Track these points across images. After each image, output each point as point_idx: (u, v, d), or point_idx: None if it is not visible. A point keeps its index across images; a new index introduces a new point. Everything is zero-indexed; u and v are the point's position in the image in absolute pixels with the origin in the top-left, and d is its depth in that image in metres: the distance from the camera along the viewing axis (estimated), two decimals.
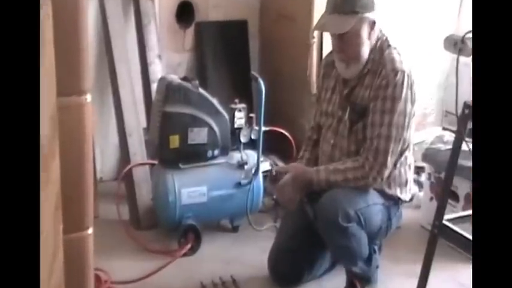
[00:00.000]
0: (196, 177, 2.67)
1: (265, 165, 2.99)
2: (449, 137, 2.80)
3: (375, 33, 2.10)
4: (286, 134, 3.09)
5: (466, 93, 1.53)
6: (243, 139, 2.79)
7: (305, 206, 2.25)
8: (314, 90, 3.17)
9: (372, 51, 2.11)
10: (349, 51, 2.09)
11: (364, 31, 2.06)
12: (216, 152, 2.70)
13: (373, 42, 2.10)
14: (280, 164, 3.10)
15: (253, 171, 2.76)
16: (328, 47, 2.56)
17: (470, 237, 1.69)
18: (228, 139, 2.74)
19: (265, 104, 2.66)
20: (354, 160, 2.09)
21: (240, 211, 2.78)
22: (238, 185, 2.73)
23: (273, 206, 3.04)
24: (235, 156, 2.78)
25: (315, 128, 2.39)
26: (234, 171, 2.75)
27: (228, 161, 2.75)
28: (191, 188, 2.63)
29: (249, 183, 2.75)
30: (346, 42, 2.06)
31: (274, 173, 2.26)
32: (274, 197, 3.09)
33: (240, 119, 2.79)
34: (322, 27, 2.19)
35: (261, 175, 2.81)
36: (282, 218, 2.61)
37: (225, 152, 2.74)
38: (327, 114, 2.27)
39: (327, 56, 2.35)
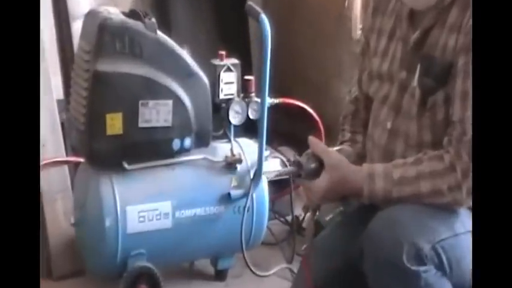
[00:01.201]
0: (154, 186, 2.70)
1: (273, 165, 3.04)
2: None
3: None
4: (310, 110, 3.12)
5: None
6: (234, 120, 2.83)
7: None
8: (358, 34, 3.19)
9: None
10: None
11: None
12: (188, 141, 2.73)
13: None
14: None
15: (252, 174, 2.79)
16: None
17: None
18: (209, 119, 2.76)
19: (272, 58, 2.66)
20: (432, 157, 2.08)
21: (230, 244, 2.81)
22: (227, 198, 2.77)
23: (287, 234, 3.06)
24: (222, 149, 2.81)
25: (361, 100, 2.42)
26: (219, 174, 2.79)
27: (208, 158, 2.78)
28: (144, 204, 2.66)
29: (246, 195, 2.78)
30: None
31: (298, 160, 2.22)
32: (289, 217, 3.13)
33: (228, 84, 2.82)
34: None
35: (265, 181, 2.85)
36: (302, 254, 2.64)
37: (203, 141, 2.77)
38: (381, 76, 2.28)
39: None
